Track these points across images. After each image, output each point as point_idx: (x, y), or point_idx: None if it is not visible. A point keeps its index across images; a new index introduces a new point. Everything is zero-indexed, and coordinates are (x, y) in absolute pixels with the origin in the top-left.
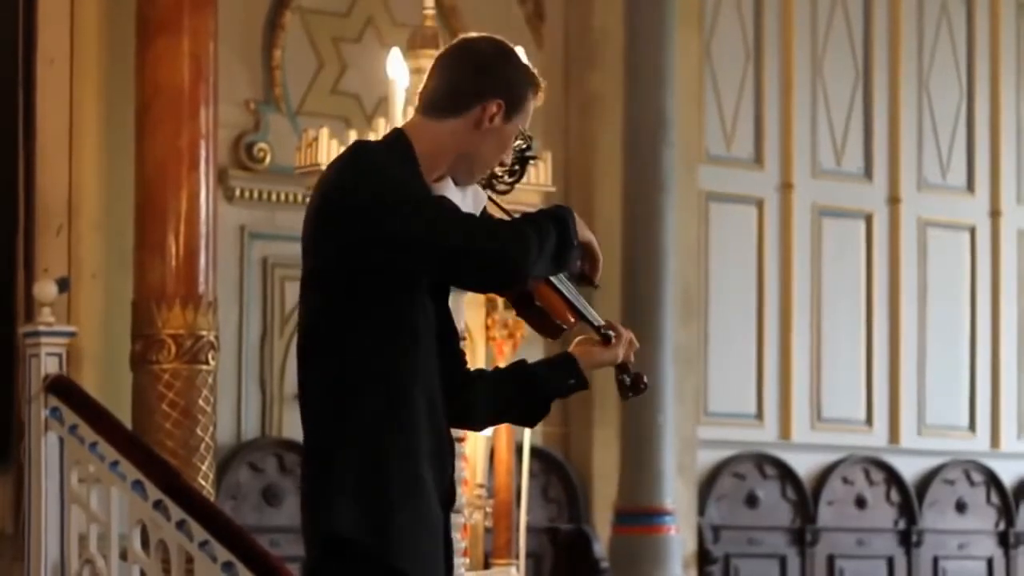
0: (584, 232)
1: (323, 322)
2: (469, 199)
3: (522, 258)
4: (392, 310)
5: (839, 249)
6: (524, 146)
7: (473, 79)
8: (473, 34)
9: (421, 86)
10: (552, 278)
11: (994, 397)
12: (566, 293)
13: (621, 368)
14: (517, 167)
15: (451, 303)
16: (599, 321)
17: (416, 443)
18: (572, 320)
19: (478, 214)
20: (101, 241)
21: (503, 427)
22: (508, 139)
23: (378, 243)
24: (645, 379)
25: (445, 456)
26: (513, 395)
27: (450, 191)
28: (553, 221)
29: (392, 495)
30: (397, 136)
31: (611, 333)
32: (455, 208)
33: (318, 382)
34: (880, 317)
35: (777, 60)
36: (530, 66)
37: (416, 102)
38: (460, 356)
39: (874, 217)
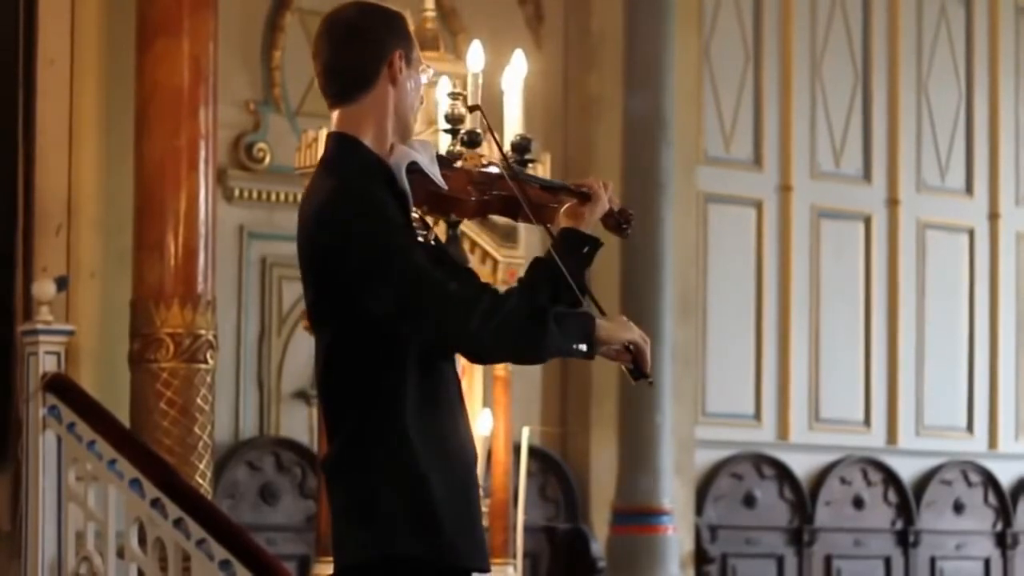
0: (623, 333)
1: (337, 350)
2: (424, 155)
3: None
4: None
5: (838, 251)
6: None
7: (366, 47)
8: (328, 14)
9: (319, 83)
10: (518, 174)
11: (992, 398)
12: (536, 182)
13: (607, 214)
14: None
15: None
16: (570, 185)
17: (452, 438)
18: (560, 199)
19: (434, 161)
20: (100, 240)
21: (501, 427)
22: (418, 81)
23: (364, 308)
24: (628, 209)
25: (468, 427)
26: (552, 292)
27: (412, 156)
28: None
29: (439, 498)
30: (351, 146)
31: (585, 190)
32: (431, 274)
33: (344, 401)
34: (878, 318)
35: (776, 62)
36: (384, 5)
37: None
38: (490, 290)
39: (873, 219)
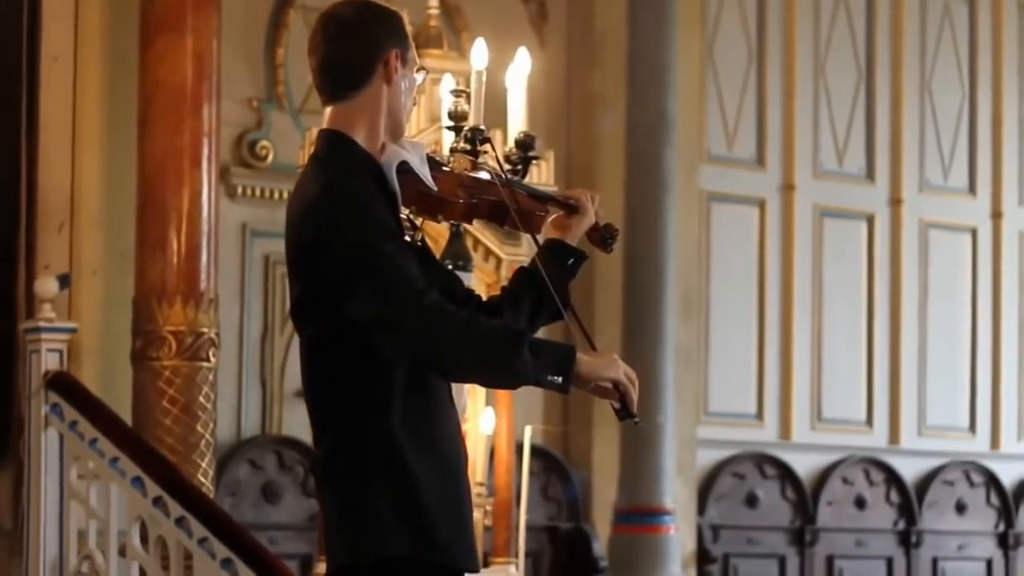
0: (606, 372)
1: (323, 349)
2: (415, 154)
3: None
4: None
5: (840, 250)
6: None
7: (362, 45)
8: (325, 11)
9: (314, 80)
10: (508, 181)
11: (994, 398)
12: (524, 190)
13: (593, 228)
14: (520, 166)
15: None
16: (560, 195)
17: (441, 438)
18: (547, 208)
19: (424, 161)
20: (102, 238)
21: (503, 426)
22: (412, 80)
23: (344, 309)
24: (614, 225)
25: (459, 426)
26: (534, 302)
27: (403, 156)
28: (512, 337)
29: (430, 498)
30: (342, 144)
31: (572, 202)
32: (412, 284)
33: (331, 402)
34: (881, 318)
35: (779, 60)
36: (382, 4)
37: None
38: (473, 296)
39: (875, 218)
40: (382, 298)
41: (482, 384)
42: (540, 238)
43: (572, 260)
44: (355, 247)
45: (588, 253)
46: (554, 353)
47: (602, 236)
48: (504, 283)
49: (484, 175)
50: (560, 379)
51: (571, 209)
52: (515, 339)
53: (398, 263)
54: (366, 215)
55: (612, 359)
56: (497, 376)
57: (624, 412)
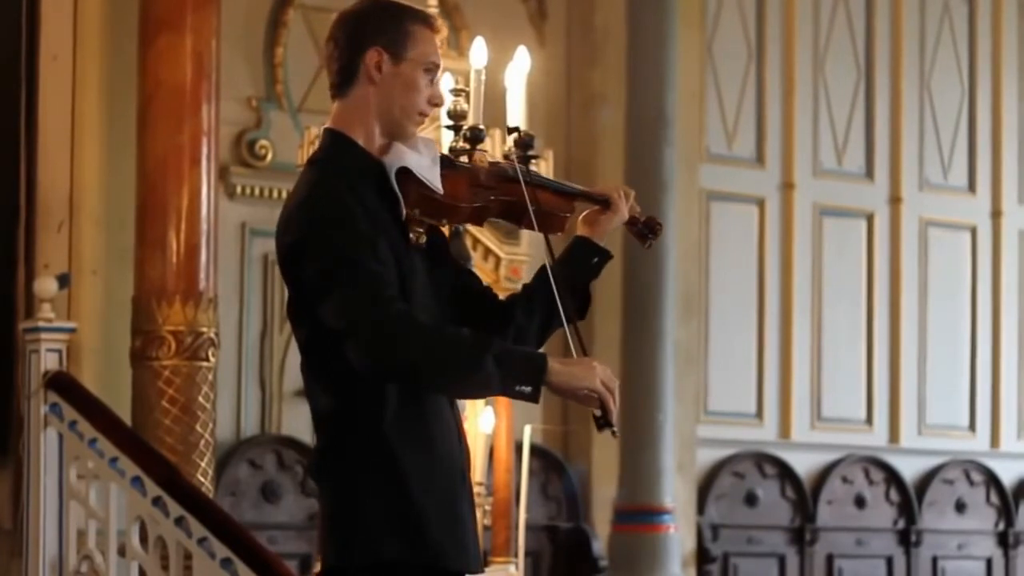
0: (581, 381)
1: (316, 350)
2: (426, 156)
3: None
4: None
5: (840, 249)
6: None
7: (347, 43)
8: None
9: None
10: (532, 175)
11: (994, 397)
12: (552, 186)
13: (631, 222)
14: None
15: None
16: (590, 191)
17: (436, 438)
18: (573, 206)
19: (436, 162)
20: (102, 237)
21: (503, 425)
22: (412, 79)
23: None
24: (658, 219)
25: (456, 424)
26: (550, 304)
27: (406, 157)
28: (495, 358)
29: (421, 500)
30: (341, 145)
31: (606, 197)
32: (379, 294)
33: (324, 403)
34: (881, 317)
35: (779, 59)
36: (406, 4)
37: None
38: (488, 293)
39: (875, 217)
40: (346, 307)
41: (449, 395)
42: (564, 237)
43: (596, 259)
44: (329, 252)
45: (611, 253)
46: (523, 362)
47: (641, 231)
48: (504, 282)
49: (507, 172)
50: (528, 389)
51: (604, 204)
52: (477, 350)
53: (371, 270)
54: (345, 221)
55: (589, 367)
56: (460, 387)
57: (603, 421)
